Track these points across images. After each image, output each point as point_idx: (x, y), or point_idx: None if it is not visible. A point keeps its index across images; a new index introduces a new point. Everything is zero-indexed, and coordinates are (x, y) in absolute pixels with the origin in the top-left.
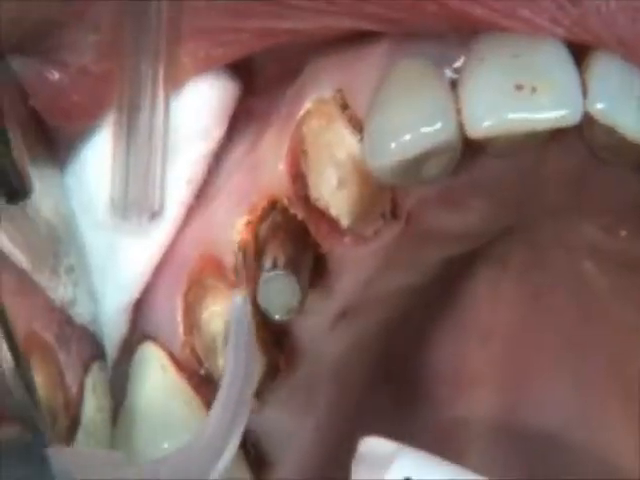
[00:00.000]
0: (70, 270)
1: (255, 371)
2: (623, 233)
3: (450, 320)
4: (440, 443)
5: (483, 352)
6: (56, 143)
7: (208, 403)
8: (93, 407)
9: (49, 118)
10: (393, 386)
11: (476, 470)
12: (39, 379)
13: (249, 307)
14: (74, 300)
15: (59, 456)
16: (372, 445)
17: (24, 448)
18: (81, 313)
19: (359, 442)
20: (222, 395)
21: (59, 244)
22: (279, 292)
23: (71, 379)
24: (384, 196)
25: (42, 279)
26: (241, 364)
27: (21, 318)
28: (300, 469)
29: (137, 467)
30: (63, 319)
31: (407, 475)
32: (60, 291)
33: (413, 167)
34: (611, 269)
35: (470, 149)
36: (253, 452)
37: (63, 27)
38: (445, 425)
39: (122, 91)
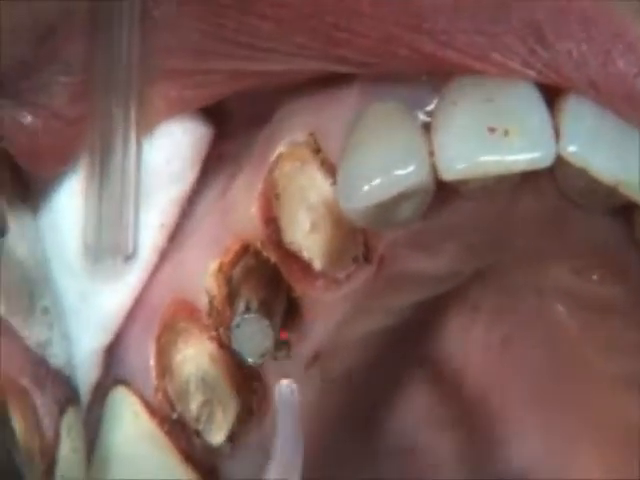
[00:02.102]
0: (45, 311)
1: (301, 456)
2: (594, 276)
3: (422, 364)
4: None
5: (453, 395)
6: (30, 187)
7: (180, 448)
8: (68, 448)
9: (22, 162)
10: (362, 429)
11: None
12: (17, 424)
13: (297, 395)
14: (49, 341)
15: None
16: None
17: None
18: (56, 354)
19: None
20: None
21: (34, 285)
22: (252, 335)
23: (47, 423)
24: (356, 239)
25: (17, 321)
26: (290, 445)
27: None
28: None
29: None
30: (38, 362)
31: None
32: (35, 332)
33: (386, 210)
34: (582, 312)
35: (443, 192)
36: None
37: (36, 69)
38: (414, 470)
39: (94, 134)
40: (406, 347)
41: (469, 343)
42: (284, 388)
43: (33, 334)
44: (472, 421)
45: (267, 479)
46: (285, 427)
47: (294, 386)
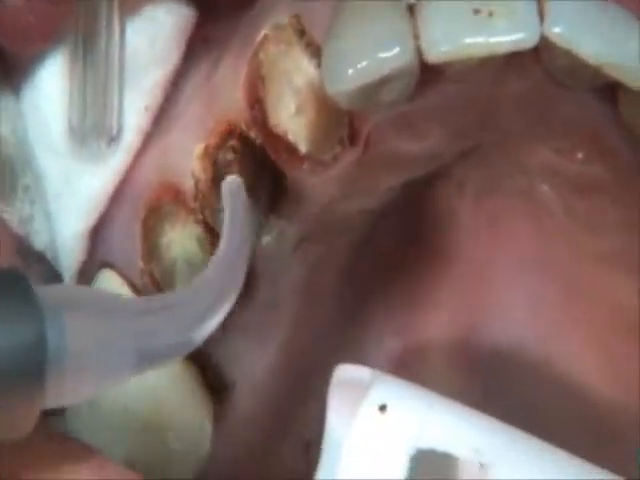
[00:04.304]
0: (26, 189)
1: (249, 244)
2: (579, 156)
3: (409, 245)
4: (398, 366)
5: (440, 276)
6: (12, 66)
7: None
8: None
9: (4, 40)
10: (355, 309)
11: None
12: None
13: (242, 184)
14: (31, 217)
15: (49, 293)
16: (348, 372)
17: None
18: (38, 231)
19: (335, 368)
20: (217, 260)
21: (15, 164)
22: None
23: None
24: (342, 122)
25: None
26: (237, 234)
27: None
28: (258, 392)
29: (126, 301)
30: (22, 248)
31: (384, 402)
32: (17, 208)
33: (371, 92)
34: (567, 191)
35: (427, 74)
36: (212, 376)
37: None
38: (403, 349)
39: (78, 16)
40: (394, 229)
41: (455, 222)
42: (229, 182)
43: (15, 210)
44: (458, 300)
45: (212, 264)
46: (232, 221)
47: (239, 180)
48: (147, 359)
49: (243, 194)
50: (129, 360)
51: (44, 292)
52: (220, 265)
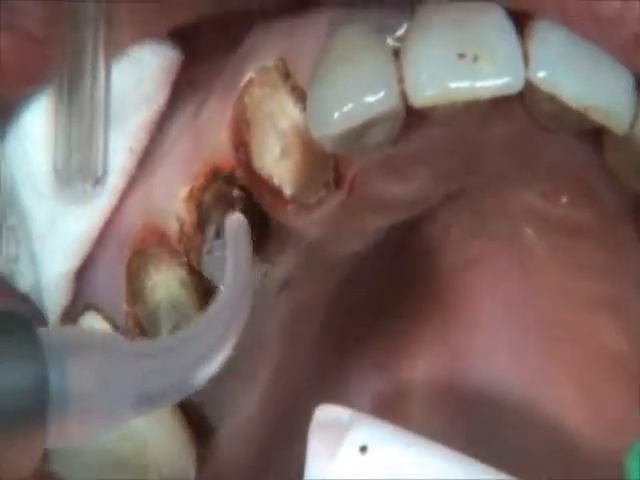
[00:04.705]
0: (11, 229)
1: (252, 284)
2: (563, 200)
3: (392, 287)
4: (383, 408)
5: (423, 318)
6: None
7: None
8: None
9: None
10: (339, 349)
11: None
12: None
13: (246, 224)
14: (16, 258)
15: (51, 334)
16: (329, 412)
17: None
18: (23, 272)
19: (316, 409)
20: (220, 302)
21: (1, 203)
22: (223, 261)
23: None
24: (327, 165)
25: None
26: (241, 274)
27: None
28: (243, 433)
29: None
30: (6, 289)
31: (364, 443)
32: (2, 247)
33: (356, 136)
34: (551, 235)
35: (412, 118)
36: (196, 417)
37: None
38: (385, 390)
39: (63, 57)
40: (378, 269)
41: (440, 264)
42: (232, 220)
43: (1, 248)
44: (442, 343)
45: (215, 305)
46: (236, 255)
47: (241, 217)
48: (148, 401)
49: (247, 232)
50: (131, 402)
51: (47, 334)
52: (222, 307)
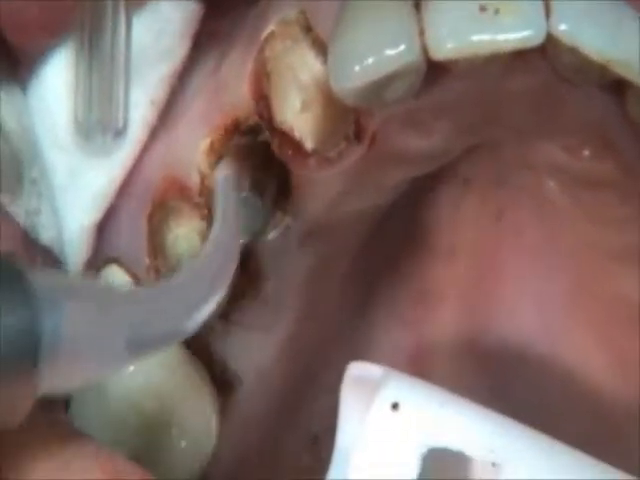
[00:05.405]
0: (33, 182)
1: (239, 236)
2: (586, 153)
3: (415, 240)
4: (407, 362)
5: (447, 272)
6: (19, 61)
7: None
8: None
9: (10, 34)
10: (361, 304)
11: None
12: None
13: (234, 179)
14: (38, 210)
15: (43, 279)
16: (361, 369)
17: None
18: (45, 225)
19: (348, 366)
20: (208, 250)
21: (23, 158)
22: (244, 214)
23: None
24: (348, 118)
25: (5, 197)
26: (227, 226)
27: None
28: (265, 386)
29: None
30: (28, 239)
31: (395, 400)
32: (24, 200)
33: (377, 89)
34: (573, 187)
35: (433, 71)
36: (219, 373)
37: None
38: (410, 345)
39: (84, 9)
40: (400, 224)
41: (461, 218)
42: (220, 176)
43: (22, 203)
44: (466, 296)
45: (203, 255)
46: (225, 209)
47: (231, 175)
48: (140, 346)
49: (235, 187)
50: (122, 346)
51: (40, 277)
52: (212, 255)
